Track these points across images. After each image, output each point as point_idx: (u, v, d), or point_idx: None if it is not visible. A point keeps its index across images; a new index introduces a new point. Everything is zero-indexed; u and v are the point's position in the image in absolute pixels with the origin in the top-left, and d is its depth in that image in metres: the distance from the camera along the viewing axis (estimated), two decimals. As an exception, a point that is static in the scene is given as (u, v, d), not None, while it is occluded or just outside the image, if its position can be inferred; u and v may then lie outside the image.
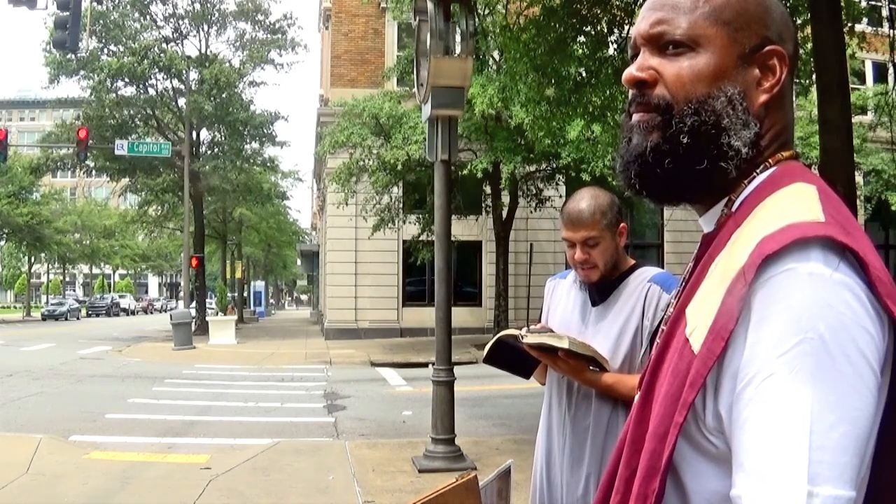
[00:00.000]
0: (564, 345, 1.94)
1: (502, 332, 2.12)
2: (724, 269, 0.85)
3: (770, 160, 0.93)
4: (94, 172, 30.43)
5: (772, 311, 0.78)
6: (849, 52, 9.16)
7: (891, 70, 16.00)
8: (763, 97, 0.92)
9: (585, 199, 2.06)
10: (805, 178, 0.90)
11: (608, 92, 9.35)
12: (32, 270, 50.52)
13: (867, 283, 0.79)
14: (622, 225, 2.07)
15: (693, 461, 0.87)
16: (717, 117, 0.89)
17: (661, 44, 0.93)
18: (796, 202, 0.85)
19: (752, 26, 0.92)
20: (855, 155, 8.25)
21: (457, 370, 6.65)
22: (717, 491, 0.85)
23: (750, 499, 0.76)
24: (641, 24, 0.96)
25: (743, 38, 0.91)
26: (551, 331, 2.08)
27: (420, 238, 19.65)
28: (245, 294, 46.54)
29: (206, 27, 26.80)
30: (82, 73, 24.55)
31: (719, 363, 0.82)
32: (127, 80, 24.98)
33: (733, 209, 0.92)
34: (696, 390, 0.82)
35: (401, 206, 19.63)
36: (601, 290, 2.10)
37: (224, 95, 25.95)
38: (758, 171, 0.92)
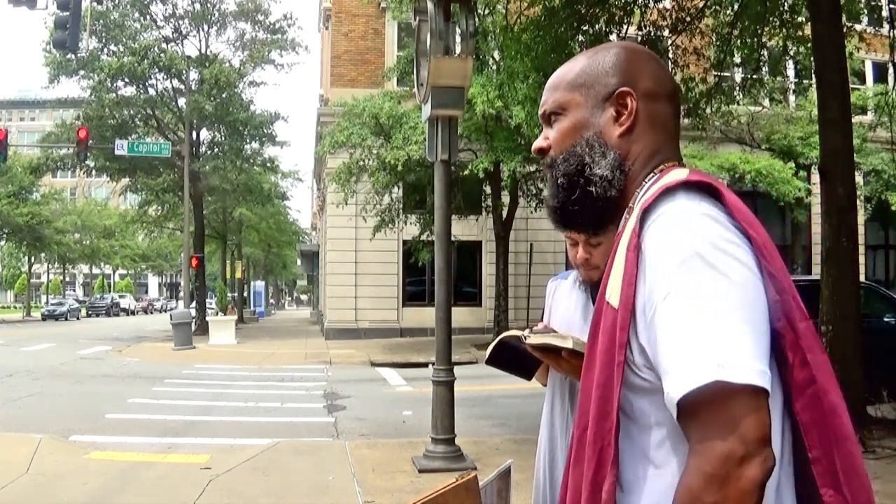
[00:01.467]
0: (568, 345, 1.93)
1: (504, 334, 2.12)
2: (623, 240, 1.06)
3: (655, 170, 1.14)
4: (94, 172, 30.42)
5: (656, 246, 0.98)
6: (847, 50, 9.16)
7: (891, 70, 16.00)
8: (620, 129, 1.16)
9: None
10: (681, 167, 1.13)
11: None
12: (32, 270, 50.49)
13: (727, 213, 0.99)
14: (624, 225, 2.06)
15: (635, 402, 1.02)
16: (580, 157, 1.16)
17: (547, 118, 1.24)
18: (668, 177, 1.07)
19: (600, 81, 1.18)
20: (855, 155, 8.25)
21: (457, 370, 6.64)
22: (659, 421, 1.00)
23: (672, 389, 0.92)
24: (539, 108, 1.26)
25: (594, 93, 1.18)
26: (554, 331, 2.08)
27: (420, 238, 19.64)
28: (245, 294, 46.53)
29: (206, 27, 26.78)
30: (82, 73, 24.52)
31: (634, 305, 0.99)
32: (127, 80, 24.95)
33: (633, 208, 1.11)
34: (627, 330, 0.99)
35: (401, 206, 19.62)
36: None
37: (224, 95, 25.92)
38: (647, 180, 1.13)
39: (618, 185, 1.14)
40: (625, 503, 1.01)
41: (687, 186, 1.01)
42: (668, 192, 1.01)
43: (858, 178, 17.00)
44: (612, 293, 1.03)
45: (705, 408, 0.89)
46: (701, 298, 0.91)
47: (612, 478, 0.99)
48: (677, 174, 1.07)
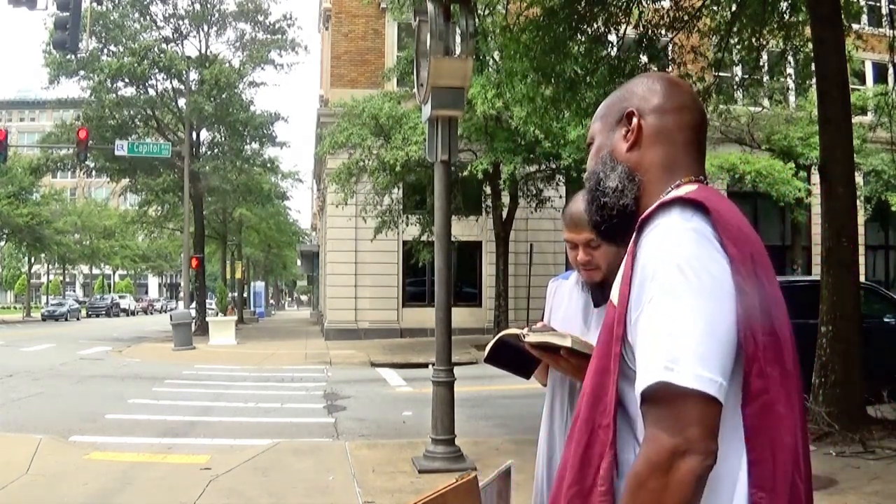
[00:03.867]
0: (567, 343, 1.93)
1: (504, 332, 2.11)
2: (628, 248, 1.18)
3: (672, 185, 1.24)
4: (94, 173, 30.41)
5: (648, 257, 1.11)
6: (846, 50, 9.16)
7: (891, 70, 16.00)
8: (626, 144, 1.31)
9: None
10: (693, 183, 1.23)
11: (604, 90, 9.36)
12: (32, 271, 50.49)
13: (714, 229, 1.10)
14: (624, 226, 2.06)
15: (628, 392, 1.13)
16: (598, 174, 1.33)
17: (588, 148, 1.43)
18: (672, 193, 1.19)
19: (614, 109, 1.36)
20: (855, 155, 8.25)
21: (457, 370, 6.64)
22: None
23: (637, 384, 1.06)
24: None
25: (610, 120, 1.36)
26: (553, 330, 2.07)
27: (420, 238, 19.64)
28: (245, 294, 46.52)
29: (206, 27, 26.75)
30: (82, 73, 24.51)
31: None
32: (127, 80, 24.93)
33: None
34: (623, 325, 1.12)
35: (401, 206, 19.62)
36: (604, 290, 2.09)
37: (224, 96, 25.90)
38: (664, 195, 1.21)
39: (630, 194, 1.27)
40: (617, 480, 1.13)
41: (682, 203, 1.13)
42: (665, 206, 1.13)
43: (858, 178, 16.98)
44: (615, 293, 1.19)
45: (655, 404, 1.03)
46: (670, 306, 1.04)
47: (610, 457, 1.12)
48: (682, 190, 1.18)
